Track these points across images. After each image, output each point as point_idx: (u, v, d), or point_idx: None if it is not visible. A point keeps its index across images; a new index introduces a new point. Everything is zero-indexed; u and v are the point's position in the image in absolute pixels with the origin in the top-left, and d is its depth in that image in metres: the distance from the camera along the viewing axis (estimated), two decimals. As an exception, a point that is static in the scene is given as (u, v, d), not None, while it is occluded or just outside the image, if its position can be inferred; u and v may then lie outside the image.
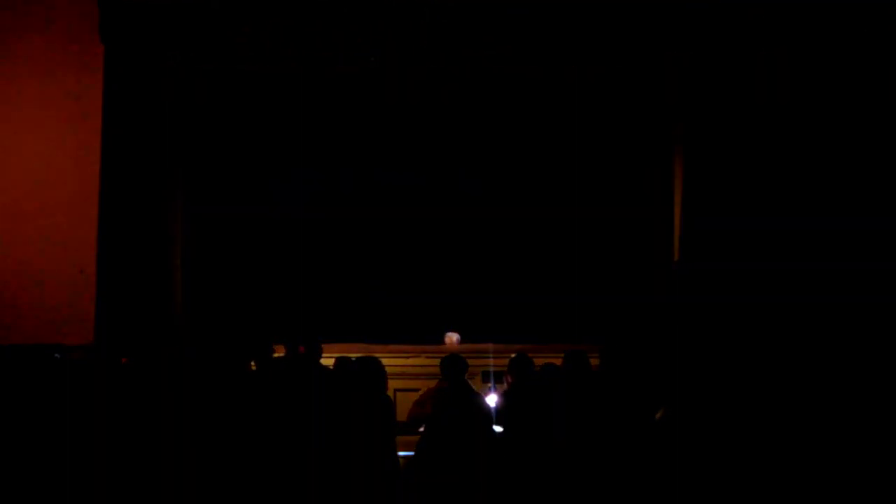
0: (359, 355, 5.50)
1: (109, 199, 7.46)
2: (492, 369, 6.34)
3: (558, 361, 5.72)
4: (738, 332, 7.02)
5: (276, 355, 6.00)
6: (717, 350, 6.73)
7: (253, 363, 5.69)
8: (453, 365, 5.60)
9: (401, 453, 5.27)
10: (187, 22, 7.50)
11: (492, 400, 6.07)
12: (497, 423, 5.32)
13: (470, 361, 6.00)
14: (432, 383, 6.20)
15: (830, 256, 7.13)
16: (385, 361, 5.39)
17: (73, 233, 7.43)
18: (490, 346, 6.88)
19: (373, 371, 5.18)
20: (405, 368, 7.14)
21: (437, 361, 6.10)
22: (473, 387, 5.87)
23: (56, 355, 5.90)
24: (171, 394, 4.91)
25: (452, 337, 7.52)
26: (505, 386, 6.01)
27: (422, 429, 5.60)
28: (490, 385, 6.48)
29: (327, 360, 5.98)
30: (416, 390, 6.82)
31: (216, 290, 7.90)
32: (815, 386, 5.28)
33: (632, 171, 8.00)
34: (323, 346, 6.08)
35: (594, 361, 5.86)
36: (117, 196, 7.49)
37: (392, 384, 5.50)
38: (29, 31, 7.51)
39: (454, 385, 5.52)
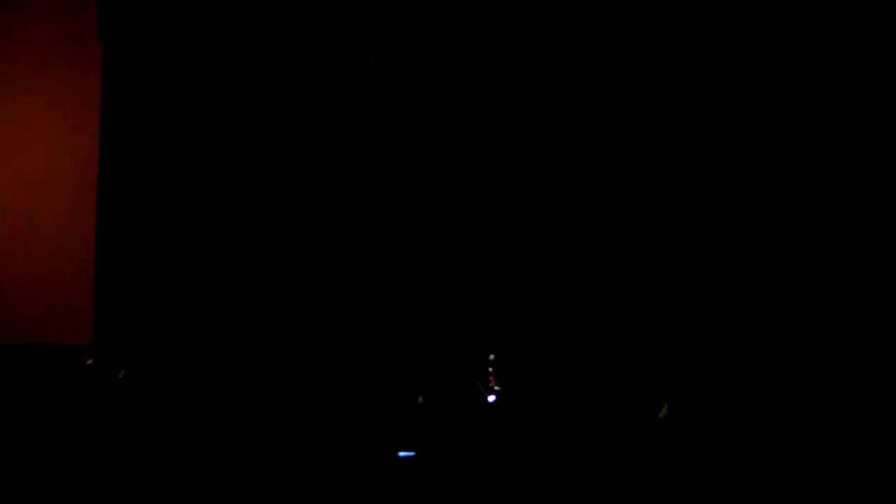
0: (359, 355, 5.50)
1: (108, 198, 7.46)
2: (492, 369, 6.34)
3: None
4: (740, 328, 7.03)
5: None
6: (720, 346, 6.73)
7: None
8: (455, 364, 5.60)
9: (401, 453, 5.26)
10: (186, 21, 7.50)
11: (492, 399, 6.07)
12: (501, 422, 5.32)
13: (470, 361, 6.00)
14: (433, 383, 6.19)
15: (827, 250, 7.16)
16: (385, 361, 5.39)
17: (73, 232, 7.43)
18: (490, 345, 6.87)
19: (374, 371, 5.18)
20: (405, 369, 7.13)
21: (437, 361, 6.09)
22: (475, 386, 5.86)
23: (57, 356, 5.89)
24: (176, 392, 4.91)
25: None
26: (494, 385, 6.04)
27: (423, 428, 5.60)
28: (490, 385, 6.48)
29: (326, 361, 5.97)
30: (417, 390, 6.80)
31: (216, 288, 7.89)
32: (819, 381, 5.28)
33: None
34: (322, 346, 6.07)
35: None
36: (116, 195, 7.49)
37: (392, 384, 5.48)
38: (26, 31, 7.52)
39: (456, 384, 5.51)
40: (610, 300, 7.88)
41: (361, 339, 7.50)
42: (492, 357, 6.01)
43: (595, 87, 7.73)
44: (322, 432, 4.97)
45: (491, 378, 5.98)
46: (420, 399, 6.32)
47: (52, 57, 7.50)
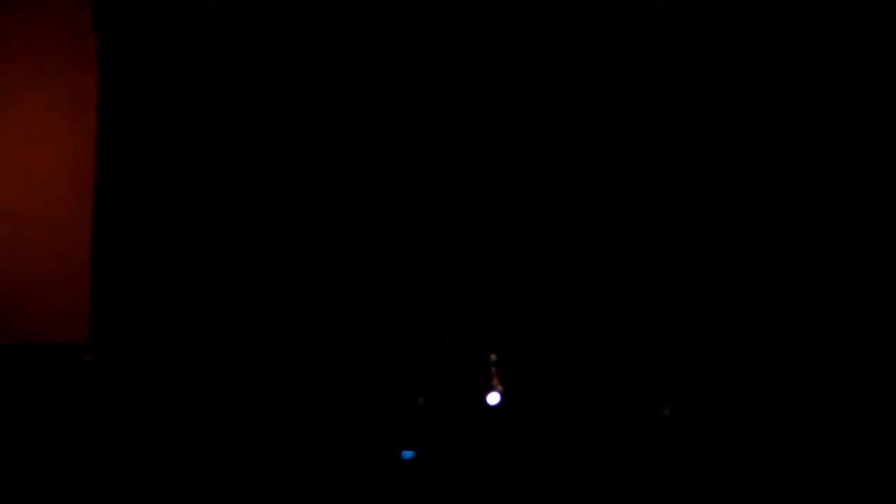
0: (359, 355, 5.50)
1: (106, 196, 7.46)
2: (493, 369, 6.34)
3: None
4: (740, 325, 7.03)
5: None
6: (720, 346, 6.73)
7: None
8: (455, 364, 5.60)
9: (402, 453, 5.26)
10: (185, 19, 7.50)
11: (493, 399, 6.07)
12: (501, 422, 5.32)
13: (470, 361, 6.00)
14: (433, 383, 6.19)
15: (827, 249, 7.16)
16: (385, 361, 5.39)
17: (71, 232, 7.42)
18: (491, 345, 6.87)
19: (374, 371, 5.18)
20: (405, 369, 7.13)
21: (437, 361, 6.09)
22: (476, 386, 5.87)
23: (57, 355, 5.89)
24: (175, 391, 4.91)
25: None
26: (499, 385, 6.03)
27: (423, 428, 5.60)
28: (491, 384, 6.48)
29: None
30: (417, 390, 6.80)
31: (215, 288, 7.88)
32: (819, 381, 5.27)
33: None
34: (322, 346, 6.06)
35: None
36: (114, 193, 7.49)
37: (392, 384, 5.48)
38: (26, 31, 7.50)
39: (456, 384, 5.51)
40: (610, 300, 7.87)
41: (361, 339, 7.49)
42: (493, 357, 6.00)
43: (595, 88, 7.73)
44: (322, 432, 4.96)
45: (494, 377, 5.97)
46: (420, 399, 6.33)
47: (51, 57, 7.48)
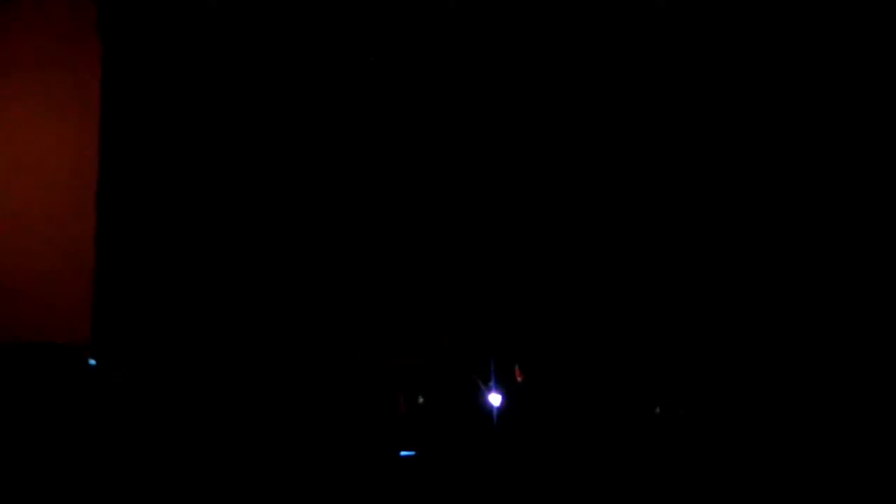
0: (359, 355, 5.50)
1: (108, 197, 7.47)
2: (493, 369, 6.34)
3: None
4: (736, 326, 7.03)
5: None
6: (717, 344, 6.73)
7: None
8: (455, 364, 5.60)
9: (401, 453, 5.26)
10: (186, 20, 7.50)
11: (494, 399, 6.07)
12: (500, 422, 5.32)
13: (470, 361, 6.00)
14: (433, 383, 6.19)
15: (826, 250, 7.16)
16: (385, 361, 5.39)
17: (73, 232, 7.43)
18: (491, 345, 6.87)
19: (374, 371, 5.18)
20: (406, 369, 7.13)
21: (437, 361, 6.09)
22: (476, 385, 5.87)
23: (57, 355, 5.89)
24: (175, 391, 4.91)
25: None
26: (518, 379, 6.02)
27: (423, 428, 5.60)
28: (491, 384, 6.48)
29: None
30: (417, 390, 6.80)
31: (216, 288, 7.88)
32: (818, 381, 5.27)
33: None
34: (322, 346, 6.07)
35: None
36: (116, 194, 7.49)
37: (393, 384, 5.48)
38: (25, 29, 7.51)
39: (458, 384, 5.51)
40: (610, 301, 7.88)
41: (361, 339, 7.50)
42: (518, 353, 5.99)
43: (595, 88, 7.74)
44: (322, 432, 4.97)
45: (518, 374, 5.95)
46: (420, 399, 6.32)
47: (52, 57, 7.50)
